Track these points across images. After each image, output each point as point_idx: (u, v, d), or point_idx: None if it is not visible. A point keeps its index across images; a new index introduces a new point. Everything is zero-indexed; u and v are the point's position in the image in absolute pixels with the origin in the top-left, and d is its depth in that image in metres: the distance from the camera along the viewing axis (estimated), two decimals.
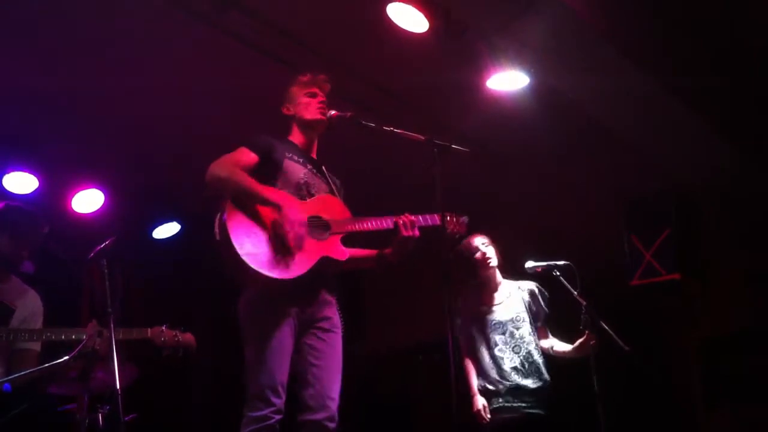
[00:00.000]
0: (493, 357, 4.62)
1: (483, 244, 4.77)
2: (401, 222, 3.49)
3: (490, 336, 4.66)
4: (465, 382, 4.65)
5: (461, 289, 4.82)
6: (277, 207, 3.29)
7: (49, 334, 3.79)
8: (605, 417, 4.14)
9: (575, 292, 4.43)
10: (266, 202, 3.31)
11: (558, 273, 4.56)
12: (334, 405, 3.35)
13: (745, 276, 6.90)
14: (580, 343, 4.53)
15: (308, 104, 3.67)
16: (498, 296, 4.79)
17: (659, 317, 7.24)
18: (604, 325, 4.35)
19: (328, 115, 3.65)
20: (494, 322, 4.69)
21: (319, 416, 3.30)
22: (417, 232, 3.49)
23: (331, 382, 3.38)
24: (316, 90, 3.71)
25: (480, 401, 4.56)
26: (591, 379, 4.25)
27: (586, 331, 4.45)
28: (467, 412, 4.55)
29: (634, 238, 6.31)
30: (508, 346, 4.63)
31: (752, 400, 6.76)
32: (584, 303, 4.38)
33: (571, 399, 4.90)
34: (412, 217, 3.51)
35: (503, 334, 4.66)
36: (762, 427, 6.55)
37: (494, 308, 4.75)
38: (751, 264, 6.83)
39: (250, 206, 3.30)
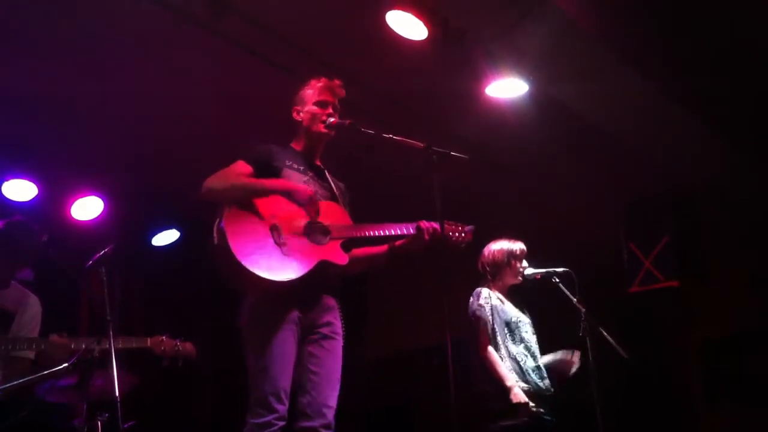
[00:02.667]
0: (519, 352, 4.56)
1: (524, 254, 4.77)
2: (425, 228, 3.49)
3: (516, 332, 4.61)
4: (495, 374, 4.45)
5: (482, 283, 4.79)
6: (286, 193, 3.35)
7: (43, 347, 3.78)
8: (605, 422, 4.13)
9: (574, 299, 4.43)
10: (274, 191, 3.36)
11: (557, 280, 4.56)
12: (330, 413, 3.34)
13: (746, 276, 6.89)
14: (562, 361, 4.62)
15: (315, 115, 3.63)
16: (514, 299, 4.80)
17: (659, 321, 7.24)
18: (603, 331, 4.34)
19: (332, 127, 3.63)
20: (518, 319, 4.66)
21: (314, 423, 3.29)
22: (430, 238, 3.49)
23: (328, 389, 3.37)
24: (328, 98, 3.66)
25: (522, 393, 4.37)
26: (591, 385, 4.25)
27: (570, 355, 4.55)
28: (467, 414, 4.44)
29: (633, 246, 6.31)
30: (529, 346, 4.61)
31: (753, 401, 6.74)
32: (583, 310, 4.38)
33: (571, 405, 4.90)
34: (432, 224, 3.49)
35: (525, 332, 4.65)
36: (763, 428, 6.54)
37: (515, 307, 4.74)
38: (751, 264, 6.82)
39: (248, 211, 3.31)
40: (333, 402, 3.37)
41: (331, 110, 3.65)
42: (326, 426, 3.31)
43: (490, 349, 4.54)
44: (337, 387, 3.41)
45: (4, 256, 3.93)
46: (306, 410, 3.31)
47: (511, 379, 4.44)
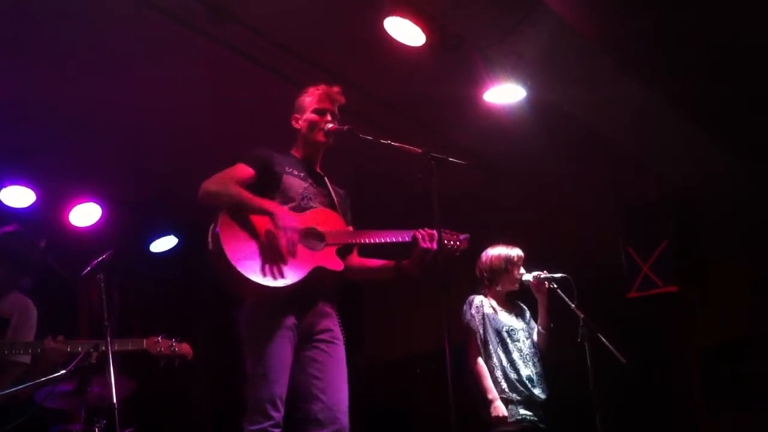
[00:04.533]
0: (511, 362, 4.56)
1: (521, 260, 4.76)
2: (420, 235, 3.47)
3: (507, 341, 4.61)
4: (480, 385, 4.49)
5: (479, 289, 4.78)
6: (269, 214, 3.29)
7: (39, 350, 3.77)
8: (604, 427, 4.12)
9: (573, 305, 4.42)
10: (258, 210, 3.31)
11: (555, 285, 4.56)
12: (344, 418, 3.32)
13: (746, 281, 6.90)
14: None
15: (314, 123, 3.62)
16: (510, 306, 4.81)
17: (658, 327, 7.24)
18: (602, 337, 4.34)
19: (330, 134, 3.62)
20: (510, 328, 4.67)
21: (329, 430, 3.27)
22: (435, 246, 3.42)
23: (338, 394, 3.35)
24: (326, 105, 3.65)
25: (502, 407, 4.41)
26: (590, 390, 4.24)
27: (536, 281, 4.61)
28: (467, 421, 4.46)
29: (631, 251, 6.31)
30: (522, 354, 4.62)
31: (753, 406, 6.74)
32: (582, 315, 4.37)
33: (570, 410, 4.89)
34: (432, 231, 3.46)
35: (518, 341, 4.65)
36: None
37: (509, 315, 4.74)
38: (751, 268, 6.83)
39: (243, 216, 3.31)
40: (345, 406, 3.35)
41: (329, 118, 3.63)
42: (342, 431, 3.30)
43: (479, 360, 4.56)
44: (346, 391, 3.39)
45: (3, 262, 3.93)
46: (318, 416, 3.29)
47: (494, 392, 4.46)
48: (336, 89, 3.70)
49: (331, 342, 3.44)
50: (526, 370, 4.57)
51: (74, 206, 5.95)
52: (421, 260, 3.50)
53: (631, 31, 4.74)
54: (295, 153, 3.70)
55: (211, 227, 3.28)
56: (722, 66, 5.01)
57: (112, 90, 4.96)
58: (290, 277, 3.27)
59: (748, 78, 5.10)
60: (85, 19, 4.42)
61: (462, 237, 3.64)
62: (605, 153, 5.78)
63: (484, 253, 4.83)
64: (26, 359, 3.82)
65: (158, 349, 3.85)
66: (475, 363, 4.55)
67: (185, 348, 3.95)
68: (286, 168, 3.54)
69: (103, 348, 3.49)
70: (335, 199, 3.65)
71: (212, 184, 3.37)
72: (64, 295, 5.26)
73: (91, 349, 3.57)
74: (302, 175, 3.58)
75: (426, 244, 3.45)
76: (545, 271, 4.65)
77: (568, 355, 4.62)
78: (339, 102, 3.69)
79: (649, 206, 6.34)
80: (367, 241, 3.52)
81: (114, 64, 4.78)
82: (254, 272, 3.20)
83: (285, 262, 3.27)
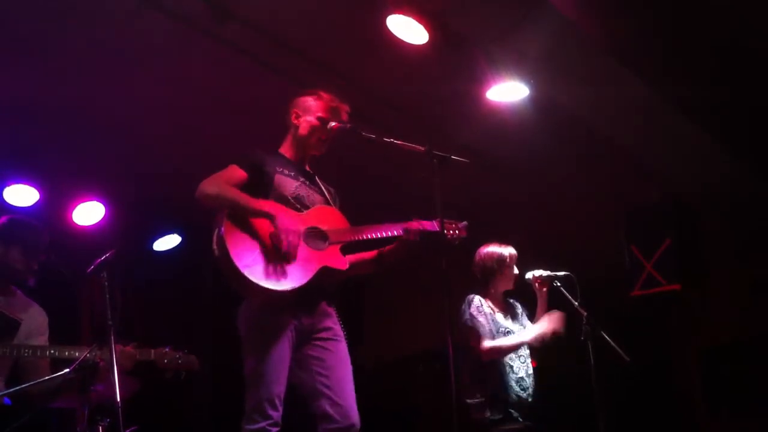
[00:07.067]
0: (503, 363, 4.54)
1: (514, 259, 4.74)
2: (409, 227, 3.50)
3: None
4: (508, 347, 4.48)
5: (476, 289, 4.76)
6: (270, 217, 3.30)
7: (52, 351, 3.77)
8: (606, 426, 4.12)
9: (576, 303, 4.42)
10: (258, 213, 3.32)
11: (558, 284, 4.55)
12: (355, 415, 3.37)
13: (746, 283, 6.89)
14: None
15: (315, 129, 3.64)
16: (505, 307, 4.79)
17: (660, 327, 7.23)
18: (605, 335, 4.33)
19: (324, 147, 3.67)
20: (507, 330, 4.65)
21: (342, 425, 3.31)
22: (417, 238, 3.49)
23: (345, 390, 3.40)
24: (332, 118, 3.65)
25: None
26: (591, 390, 4.24)
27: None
28: (467, 419, 4.46)
29: (635, 249, 6.31)
30: (515, 355, 4.61)
31: (753, 408, 6.73)
32: (585, 314, 4.36)
33: (571, 409, 4.88)
34: (421, 223, 3.50)
35: None
36: None
37: (505, 318, 4.73)
38: (751, 271, 6.82)
39: (245, 219, 3.31)
40: (353, 401, 3.40)
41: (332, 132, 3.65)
42: (355, 428, 3.35)
43: (486, 341, 4.47)
44: (352, 385, 3.43)
45: (18, 248, 3.90)
46: (328, 411, 3.33)
47: (521, 336, 4.52)
48: (345, 107, 3.71)
49: (333, 339, 3.47)
50: (520, 372, 4.57)
51: (77, 205, 5.96)
52: (401, 250, 3.54)
53: (632, 31, 4.74)
54: (285, 152, 3.71)
55: (216, 231, 3.29)
56: (723, 66, 5.00)
57: (116, 90, 4.97)
58: (297, 279, 3.28)
59: (749, 78, 5.09)
60: (90, 20, 4.43)
61: (461, 225, 3.67)
62: (607, 151, 5.77)
63: (477, 252, 4.79)
64: (46, 362, 3.80)
65: (165, 361, 3.85)
66: (485, 346, 4.46)
67: (192, 361, 3.95)
68: (277, 168, 3.55)
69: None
70: (327, 197, 3.68)
71: (209, 186, 3.38)
72: (66, 294, 5.26)
73: (96, 350, 3.57)
74: (293, 174, 3.60)
75: (418, 239, 3.50)
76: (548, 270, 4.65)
77: (569, 353, 4.63)
78: (344, 119, 3.69)
79: (652, 204, 6.34)
80: (370, 237, 3.53)
81: (118, 64, 4.78)
82: (261, 277, 3.21)
83: (291, 265, 3.29)
